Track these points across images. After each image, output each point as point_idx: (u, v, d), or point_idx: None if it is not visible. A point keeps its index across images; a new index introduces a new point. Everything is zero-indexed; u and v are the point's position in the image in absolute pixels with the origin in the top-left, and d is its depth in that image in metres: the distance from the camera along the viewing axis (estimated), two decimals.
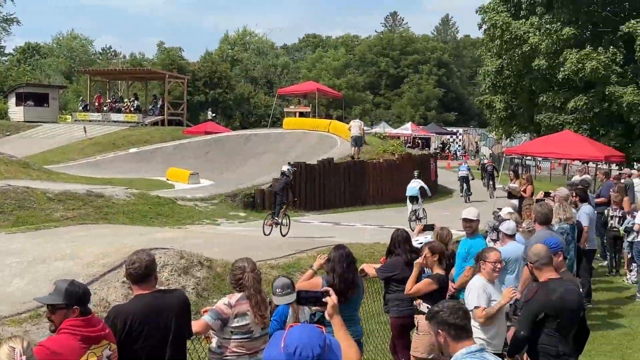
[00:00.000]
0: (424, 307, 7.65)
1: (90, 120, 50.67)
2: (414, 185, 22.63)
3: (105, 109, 53.28)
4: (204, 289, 11.23)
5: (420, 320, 7.68)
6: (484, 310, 6.92)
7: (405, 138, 57.90)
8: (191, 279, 11.28)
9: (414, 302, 7.85)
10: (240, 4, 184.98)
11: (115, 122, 50.30)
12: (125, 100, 53.99)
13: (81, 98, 59.79)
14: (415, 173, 24.48)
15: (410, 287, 7.69)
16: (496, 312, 6.94)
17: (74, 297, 4.60)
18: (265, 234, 18.58)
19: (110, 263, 11.29)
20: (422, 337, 7.68)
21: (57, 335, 4.56)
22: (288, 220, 19.50)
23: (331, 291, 4.17)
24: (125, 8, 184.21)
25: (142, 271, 5.25)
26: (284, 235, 18.89)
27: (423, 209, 22.30)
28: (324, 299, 4.12)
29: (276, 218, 19.17)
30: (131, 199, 21.46)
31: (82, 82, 71.92)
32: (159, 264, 10.74)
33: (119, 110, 52.37)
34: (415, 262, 7.83)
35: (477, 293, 7.05)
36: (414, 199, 22.23)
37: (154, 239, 14.54)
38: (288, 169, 20.22)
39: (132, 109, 51.97)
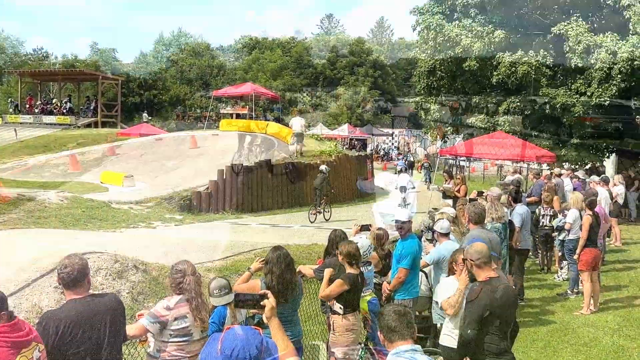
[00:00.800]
0: (337, 307, 7.70)
1: (21, 123, 49.56)
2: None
3: (36, 111, 52.17)
4: (139, 293, 11.08)
5: (335, 320, 7.74)
6: (447, 299, 7.15)
7: (342, 139, 58.16)
8: (126, 283, 11.13)
9: (328, 302, 7.91)
10: (174, 5, 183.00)
11: (47, 124, 49.29)
12: (54, 101, 52.86)
13: (10, 100, 58.32)
14: (402, 169, 30.63)
15: (323, 290, 7.76)
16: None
17: None
18: (310, 222, 22.47)
19: (42, 268, 11.06)
20: (337, 337, 7.74)
21: None
22: (330, 208, 24.17)
23: (269, 294, 4.17)
24: (57, 8, 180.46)
25: (74, 275, 5.15)
26: (327, 220, 23.28)
27: None
28: (261, 302, 4.11)
29: (318, 208, 23.46)
30: (64, 203, 21.02)
31: (12, 83, 70.24)
32: (93, 268, 10.58)
33: (50, 112, 51.31)
34: (325, 268, 7.90)
35: (441, 289, 7.37)
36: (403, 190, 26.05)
37: (87, 242, 14.29)
38: (325, 168, 24.79)
39: (64, 110, 50.95)
